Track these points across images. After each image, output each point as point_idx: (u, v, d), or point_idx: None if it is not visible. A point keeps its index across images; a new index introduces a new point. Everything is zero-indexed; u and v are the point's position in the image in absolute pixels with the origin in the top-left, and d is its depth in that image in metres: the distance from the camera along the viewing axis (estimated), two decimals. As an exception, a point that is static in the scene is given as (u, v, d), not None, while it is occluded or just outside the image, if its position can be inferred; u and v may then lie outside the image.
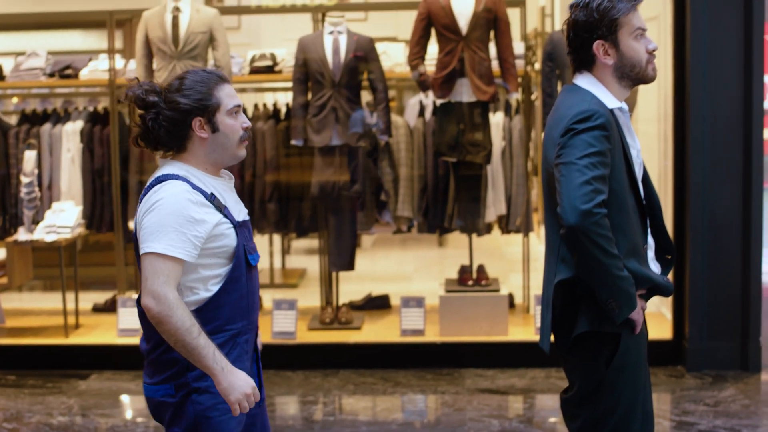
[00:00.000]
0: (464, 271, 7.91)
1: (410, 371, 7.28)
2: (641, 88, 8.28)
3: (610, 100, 3.66)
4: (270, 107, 8.47)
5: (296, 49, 7.68)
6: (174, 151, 3.55)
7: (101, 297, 8.63)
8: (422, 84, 7.48)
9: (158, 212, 3.38)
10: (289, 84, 7.85)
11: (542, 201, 3.90)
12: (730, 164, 7.06)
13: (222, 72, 3.63)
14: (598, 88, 3.68)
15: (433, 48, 7.65)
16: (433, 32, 7.47)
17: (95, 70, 8.24)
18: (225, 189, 3.59)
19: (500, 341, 7.46)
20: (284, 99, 8.46)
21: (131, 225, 8.05)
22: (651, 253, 3.80)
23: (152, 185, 3.46)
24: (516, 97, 7.81)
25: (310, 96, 7.61)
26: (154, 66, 7.53)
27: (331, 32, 7.59)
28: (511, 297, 8.10)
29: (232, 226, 3.50)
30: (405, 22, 9.12)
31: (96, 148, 8.18)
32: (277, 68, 8.15)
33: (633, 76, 3.69)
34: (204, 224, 3.42)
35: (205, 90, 3.48)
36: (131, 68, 8.07)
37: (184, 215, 3.38)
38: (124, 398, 7.01)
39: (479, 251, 8.19)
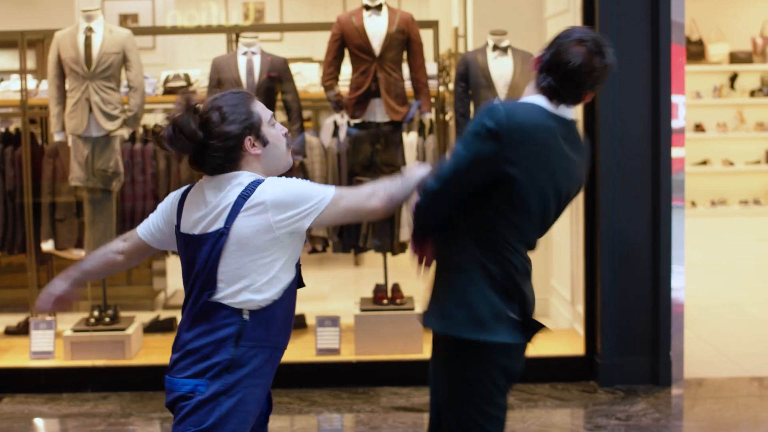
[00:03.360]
0: (379, 290, 7.94)
1: (326, 390, 7.29)
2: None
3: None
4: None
5: (210, 69, 7.68)
6: (227, 170, 3.60)
7: (13, 320, 8.52)
8: (336, 104, 7.52)
9: (289, 183, 3.52)
10: (204, 104, 7.81)
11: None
12: (639, 183, 7.17)
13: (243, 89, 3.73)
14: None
15: (347, 68, 7.69)
16: (346, 53, 7.52)
17: (7, 91, 8.16)
18: None
19: (415, 359, 7.48)
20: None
21: (44, 246, 7.98)
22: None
23: (251, 188, 3.50)
24: (429, 117, 7.88)
25: (224, 116, 7.59)
26: (67, 86, 7.48)
27: (245, 53, 7.60)
28: (426, 315, 8.14)
29: None
30: (320, 43, 9.15)
31: (7, 170, 8.09)
32: (191, 88, 8.13)
33: None
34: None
35: (244, 110, 3.56)
36: (43, 88, 8.01)
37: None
38: (38, 421, 6.92)
39: (394, 270, 8.24)
